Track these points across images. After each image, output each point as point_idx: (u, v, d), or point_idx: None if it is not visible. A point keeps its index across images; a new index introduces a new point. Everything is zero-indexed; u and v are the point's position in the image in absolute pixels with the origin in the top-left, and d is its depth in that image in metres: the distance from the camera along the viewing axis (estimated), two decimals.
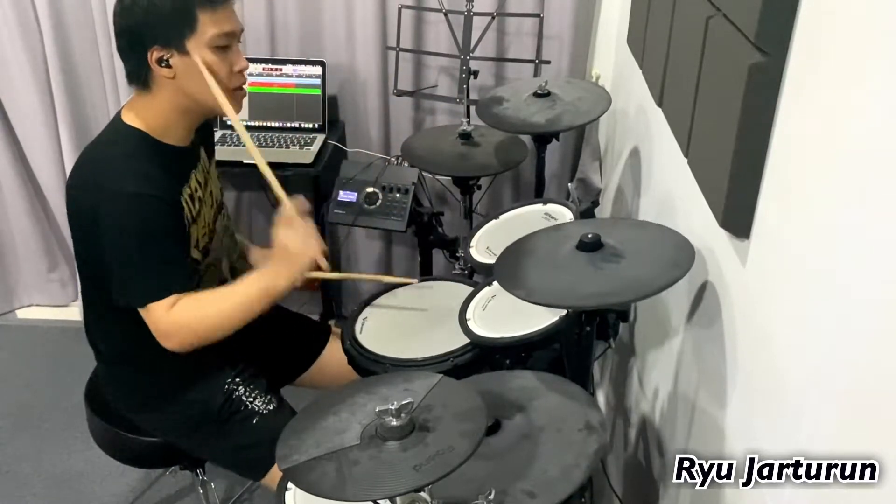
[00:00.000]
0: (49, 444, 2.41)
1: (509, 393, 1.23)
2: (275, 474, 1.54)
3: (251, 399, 1.60)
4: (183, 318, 1.41)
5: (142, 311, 1.42)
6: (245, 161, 2.42)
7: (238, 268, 1.72)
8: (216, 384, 1.60)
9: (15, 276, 3.00)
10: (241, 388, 1.61)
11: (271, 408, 1.61)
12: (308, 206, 1.58)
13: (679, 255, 1.16)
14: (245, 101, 2.28)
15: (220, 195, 1.69)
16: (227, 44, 1.43)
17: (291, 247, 1.47)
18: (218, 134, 2.52)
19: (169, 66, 1.39)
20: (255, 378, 1.65)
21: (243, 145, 2.48)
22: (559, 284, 1.19)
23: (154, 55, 1.38)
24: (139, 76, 1.42)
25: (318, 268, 1.49)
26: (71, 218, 1.48)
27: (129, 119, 1.46)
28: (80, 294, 2.95)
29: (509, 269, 1.25)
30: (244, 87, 1.50)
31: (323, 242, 1.50)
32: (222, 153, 2.35)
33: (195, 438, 1.62)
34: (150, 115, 1.45)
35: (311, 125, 2.56)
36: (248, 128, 2.58)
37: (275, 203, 1.59)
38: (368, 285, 2.86)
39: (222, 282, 1.63)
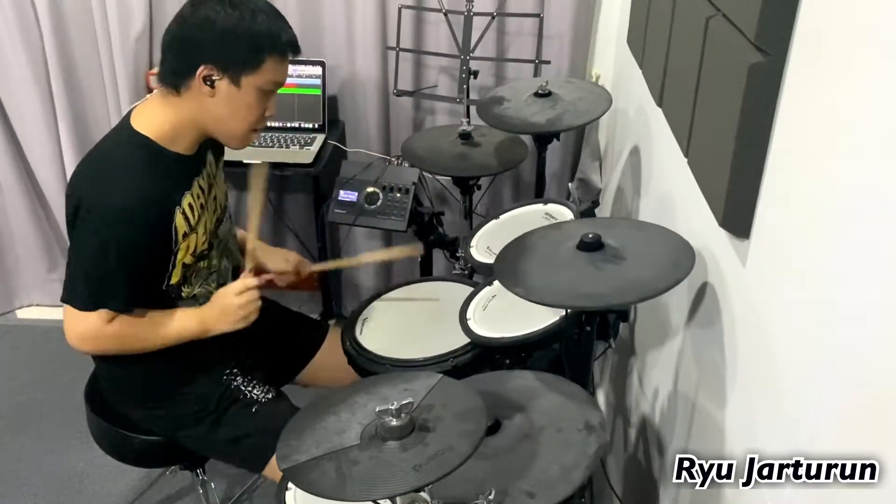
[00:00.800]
0: (49, 444, 2.41)
1: (509, 393, 1.23)
2: (275, 465, 1.54)
3: (249, 388, 1.62)
4: (119, 332, 1.48)
5: (68, 309, 1.47)
6: (245, 161, 2.42)
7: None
8: (215, 376, 1.61)
9: (15, 276, 3.00)
10: (238, 377, 1.62)
11: (270, 397, 1.62)
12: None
13: (680, 256, 1.16)
14: None
15: (226, 199, 1.69)
16: (273, 90, 1.47)
17: (235, 303, 1.53)
18: None
19: (212, 87, 1.40)
20: (253, 370, 1.65)
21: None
22: (559, 284, 1.19)
23: (204, 72, 1.39)
24: (175, 79, 1.42)
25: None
26: (66, 213, 1.49)
27: (138, 123, 1.45)
28: None
29: (509, 267, 1.25)
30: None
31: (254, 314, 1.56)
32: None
33: (196, 432, 1.62)
34: (164, 119, 1.45)
35: (311, 125, 2.56)
36: None
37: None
38: (368, 284, 2.86)
39: (222, 283, 1.63)
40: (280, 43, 1.43)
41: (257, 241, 1.83)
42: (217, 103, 1.42)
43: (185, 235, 1.49)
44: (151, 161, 1.44)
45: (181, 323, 1.52)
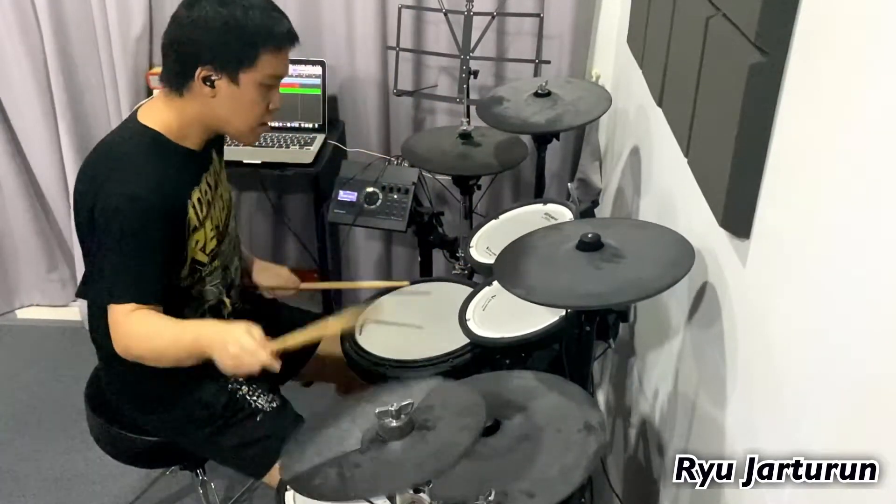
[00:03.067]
0: (49, 444, 2.41)
1: (509, 393, 1.23)
2: (276, 473, 1.54)
3: (254, 398, 1.61)
4: (134, 329, 1.41)
5: (107, 309, 1.42)
6: (245, 161, 2.43)
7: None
8: (219, 384, 1.60)
9: (15, 276, 3.00)
10: (244, 386, 1.61)
11: (274, 406, 1.62)
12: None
13: (679, 255, 1.16)
14: None
15: (230, 198, 1.69)
16: (274, 84, 1.46)
17: (243, 350, 1.37)
18: None
19: (213, 87, 1.41)
20: (258, 377, 1.65)
21: (244, 144, 2.49)
22: (559, 284, 1.19)
23: (203, 73, 1.39)
24: (177, 82, 1.43)
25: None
26: (75, 215, 1.48)
27: (146, 119, 1.46)
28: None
29: (509, 268, 1.25)
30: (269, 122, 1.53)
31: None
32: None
33: (199, 437, 1.62)
34: (171, 117, 1.46)
35: (311, 125, 2.56)
36: None
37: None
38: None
39: (229, 284, 1.63)
40: (274, 35, 1.42)
41: (256, 259, 1.85)
42: (220, 102, 1.43)
43: (195, 230, 1.49)
44: (162, 152, 1.44)
45: (187, 327, 1.45)
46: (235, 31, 1.38)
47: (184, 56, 1.40)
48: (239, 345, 1.38)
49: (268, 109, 1.48)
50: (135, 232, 1.38)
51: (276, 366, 1.39)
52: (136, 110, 1.50)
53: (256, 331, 1.40)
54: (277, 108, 1.50)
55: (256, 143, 2.49)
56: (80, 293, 1.62)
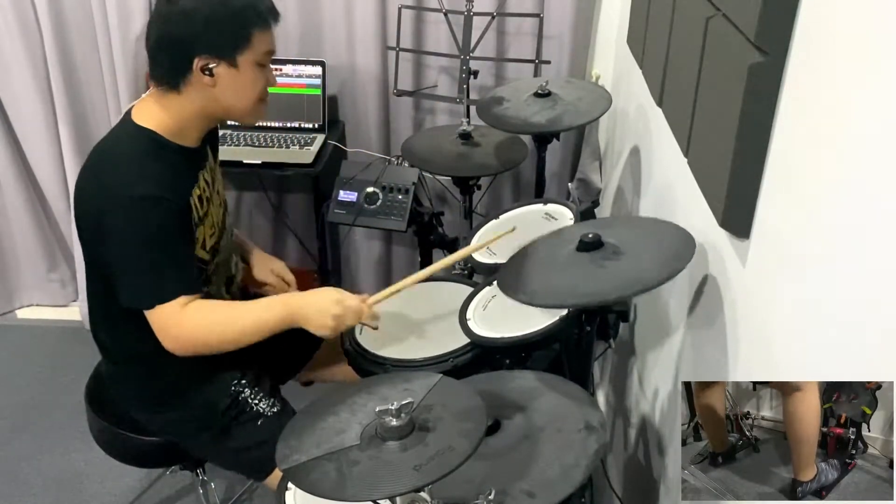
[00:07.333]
0: (49, 444, 2.41)
1: (509, 393, 1.23)
2: (276, 476, 1.54)
3: (256, 401, 1.61)
4: (193, 320, 1.42)
5: (148, 313, 1.42)
6: (245, 161, 2.43)
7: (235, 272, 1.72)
8: (223, 385, 1.60)
9: (15, 276, 3.00)
10: (246, 389, 1.61)
11: (275, 410, 1.62)
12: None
13: (680, 247, 1.15)
14: None
15: (225, 193, 1.69)
16: (267, 61, 1.48)
17: (347, 309, 1.47)
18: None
19: (212, 75, 1.41)
20: (261, 380, 1.65)
21: (244, 145, 2.49)
22: (561, 285, 1.19)
23: (200, 63, 1.40)
24: (172, 78, 1.42)
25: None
26: (78, 220, 1.48)
27: (140, 119, 1.46)
28: (79, 294, 2.97)
29: (511, 275, 1.25)
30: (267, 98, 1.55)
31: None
32: (223, 153, 2.35)
33: (200, 439, 1.62)
34: (167, 115, 1.45)
35: (311, 125, 2.56)
36: (249, 127, 2.57)
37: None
38: (367, 284, 2.86)
39: (229, 279, 1.63)
40: (261, 13, 1.44)
41: (254, 246, 1.85)
42: (221, 90, 1.44)
43: (197, 226, 1.49)
44: (160, 153, 1.44)
45: (264, 304, 1.48)
46: (226, 16, 1.40)
47: (177, 51, 1.40)
48: (342, 306, 1.46)
49: (266, 86, 1.50)
50: (158, 228, 1.39)
51: (376, 322, 1.55)
52: (129, 111, 1.49)
53: (340, 291, 1.49)
54: (273, 84, 1.53)
55: (256, 143, 2.50)
56: (94, 304, 1.61)
